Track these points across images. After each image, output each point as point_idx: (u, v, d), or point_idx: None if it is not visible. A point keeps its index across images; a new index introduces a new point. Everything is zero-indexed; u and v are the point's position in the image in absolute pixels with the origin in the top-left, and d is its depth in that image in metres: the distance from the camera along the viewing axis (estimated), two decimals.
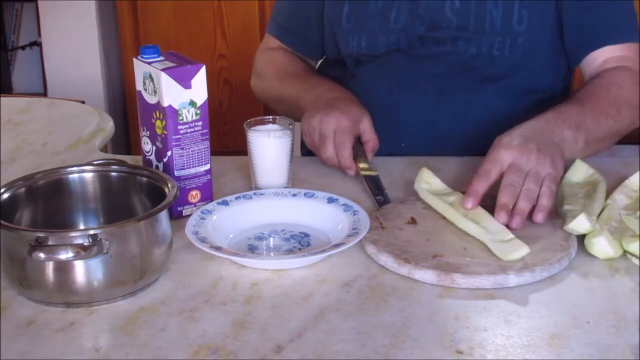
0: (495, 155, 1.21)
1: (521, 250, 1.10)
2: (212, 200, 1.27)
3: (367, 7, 1.50)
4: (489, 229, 1.16)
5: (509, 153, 1.20)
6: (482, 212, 1.19)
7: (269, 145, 1.30)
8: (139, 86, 1.27)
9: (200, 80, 1.24)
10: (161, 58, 1.25)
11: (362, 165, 1.35)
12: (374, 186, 1.33)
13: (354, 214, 1.20)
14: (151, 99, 1.25)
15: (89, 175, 1.20)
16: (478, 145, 1.42)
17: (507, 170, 1.20)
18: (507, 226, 1.16)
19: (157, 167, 1.27)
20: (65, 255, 1.00)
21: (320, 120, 1.37)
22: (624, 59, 1.44)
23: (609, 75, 1.41)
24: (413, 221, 1.22)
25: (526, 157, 1.20)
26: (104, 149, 1.64)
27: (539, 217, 1.18)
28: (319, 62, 1.69)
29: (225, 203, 1.24)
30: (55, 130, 1.68)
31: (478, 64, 1.47)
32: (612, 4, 1.46)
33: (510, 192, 1.18)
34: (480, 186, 1.19)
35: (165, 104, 1.22)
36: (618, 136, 1.39)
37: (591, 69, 1.46)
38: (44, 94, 3.37)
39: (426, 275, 1.08)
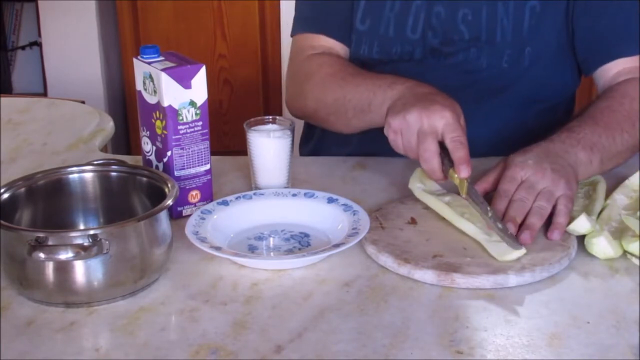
0: (512, 174, 1.20)
1: (517, 251, 1.10)
2: (212, 200, 1.27)
3: (383, 10, 1.47)
4: (486, 229, 1.16)
5: (524, 171, 1.19)
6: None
7: (269, 145, 1.30)
8: (139, 86, 1.27)
9: (200, 80, 1.24)
10: (161, 58, 1.25)
11: (456, 179, 1.20)
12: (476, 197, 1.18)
13: (354, 214, 1.20)
14: (151, 99, 1.25)
15: (89, 175, 1.20)
16: (484, 154, 1.41)
17: (519, 186, 1.18)
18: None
19: (157, 167, 1.27)
20: (65, 255, 1.00)
21: (420, 118, 1.21)
22: (637, 70, 1.42)
23: (622, 88, 1.39)
24: (413, 221, 1.22)
25: (541, 176, 1.18)
26: (104, 149, 1.64)
27: (555, 234, 1.15)
28: None
29: (225, 203, 1.24)
30: (55, 130, 1.68)
31: (486, 76, 1.46)
32: (625, 15, 1.44)
33: (518, 207, 1.16)
34: (502, 206, 1.18)
35: (165, 104, 1.22)
36: (636, 149, 1.36)
37: (604, 80, 1.45)
38: (44, 94, 3.37)
39: (426, 275, 1.08)
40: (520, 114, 1.49)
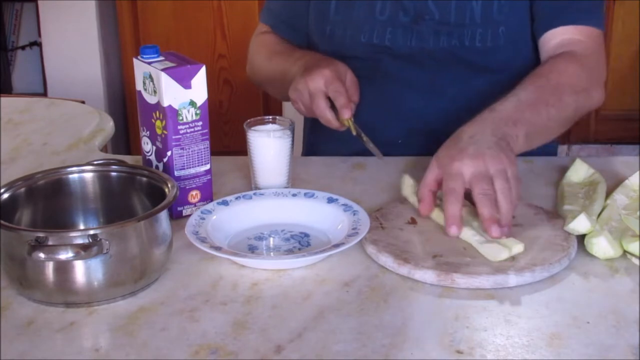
0: (451, 170, 1.17)
1: (507, 250, 1.10)
2: (212, 200, 1.27)
3: (354, 4, 1.51)
4: (478, 229, 1.16)
5: (463, 164, 1.17)
6: (471, 212, 1.19)
7: (269, 145, 1.30)
8: (139, 86, 1.27)
9: (200, 80, 1.24)
10: (161, 58, 1.25)
11: (347, 123, 1.38)
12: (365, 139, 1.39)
13: (354, 214, 1.20)
14: (151, 99, 1.25)
15: (89, 175, 1.20)
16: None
17: (473, 181, 1.16)
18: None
19: (157, 167, 1.27)
20: (65, 255, 1.00)
21: (305, 81, 1.38)
22: (575, 42, 1.42)
23: (550, 63, 1.40)
24: (413, 221, 1.22)
25: (482, 162, 1.16)
26: (104, 149, 1.64)
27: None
28: None
29: (225, 203, 1.24)
30: (55, 130, 1.68)
31: (463, 55, 1.48)
32: None
33: (487, 201, 1.15)
34: (456, 208, 1.15)
35: (165, 104, 1.22)
36: (567, 122, 1.36)
37: (544, 50, 1.45)
38: (44, 94, 3.37)
39: (426, 275, 1.08)
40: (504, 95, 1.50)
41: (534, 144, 1.30)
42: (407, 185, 1.28)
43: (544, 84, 1.34)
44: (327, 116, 1.38)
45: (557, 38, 1.44)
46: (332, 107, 1.38)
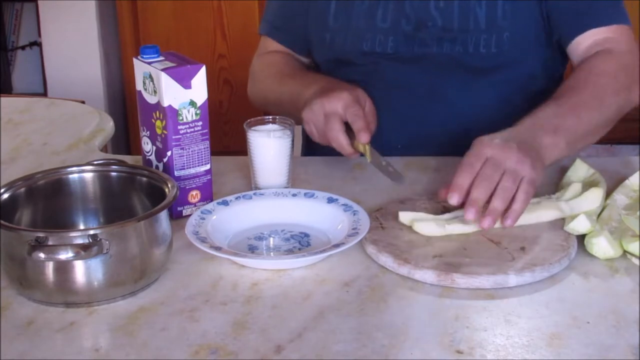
0: (477, 151, 1.19)
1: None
2: (212, 200, 1.27)
3: (353, 6, 1.50)
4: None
5: (490, 148, 1.18)
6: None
7: (269, 145, 1.30)
8: (139, 86, 1.27)
9: (200, 80, 1.24)
10: (161, 58, 1.25)
11: (362, 148, 1.32)
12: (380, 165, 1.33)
13: (354, 214, 1.20)
14: (151, 99, 1.25)
15: (89, 175, 1.20)
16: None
17: (485, 163, 1.17)
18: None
19: (157, 167, 1.27)
20: (65, 255, 1.00)
21: (322, 102, 1.34)
22: (607, 40, 1.41)
23: (588, 65, 1.39)
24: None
25: (507, 153, 1.17)
26: (104, 149, 1.64)
27: (508, 222, 1.16)
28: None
29: (225, 203, 1.24)
30: (55, 130, 1.68)
31: (466, 61, 1.47)
32: None
33: (484, 186, 1.15)
34: (464, 179, 1.16)
35: (165, 104, 1.22)
36: (609, 124, 1.36)
37: (576, 55, 1.44)
38: (44, 94, 3.37)
39: (426, 275, 1.08)
40: (505, 99, 1.49)
41: (577, 148, 1.30)
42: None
43: (583, 88, 1.33)
44: (340, 139, 1.32)
45: (588, 40, 1.43)
46: (346, 132, 1.33)
